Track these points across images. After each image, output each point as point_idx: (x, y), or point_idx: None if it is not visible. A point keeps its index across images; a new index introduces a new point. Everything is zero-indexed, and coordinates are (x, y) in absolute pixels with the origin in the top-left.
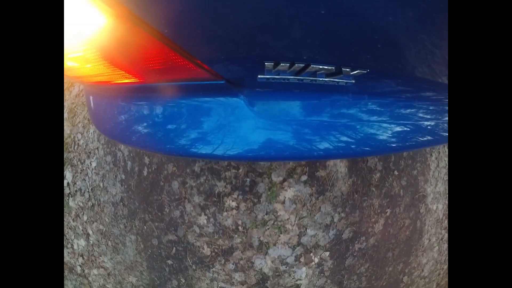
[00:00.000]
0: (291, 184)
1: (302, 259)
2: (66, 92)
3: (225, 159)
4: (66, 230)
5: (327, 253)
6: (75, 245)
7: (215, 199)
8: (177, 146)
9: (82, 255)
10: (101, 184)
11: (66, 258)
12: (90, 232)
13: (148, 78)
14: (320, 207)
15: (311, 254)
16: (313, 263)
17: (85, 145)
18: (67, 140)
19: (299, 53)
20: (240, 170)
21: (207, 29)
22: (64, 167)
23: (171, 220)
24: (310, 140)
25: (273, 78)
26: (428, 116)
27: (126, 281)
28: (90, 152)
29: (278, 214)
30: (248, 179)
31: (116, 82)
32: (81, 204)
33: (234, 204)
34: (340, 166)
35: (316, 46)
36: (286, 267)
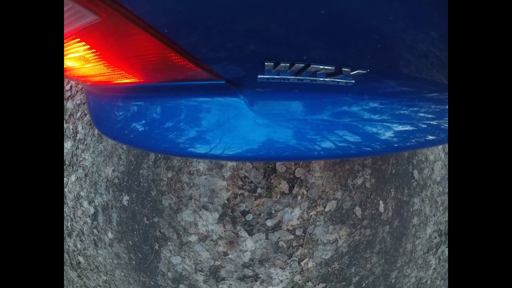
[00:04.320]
0: None
1: None
2: None
3: (224, 159)
4: None
5: None
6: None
7: None
8: (176, 146)
9: (64, 161)
10: None
11: None
12: (80, 128)
13: (148, 78)
14: None
15: None
16: None
17: None
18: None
19: (299, 53)
20: None
21: (207, 29)
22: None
23: None
24: (310, 140)
25: (273, 78)
26: (428, 116)
27: (102, 178)
28: None
29: None
30: None
31: (116, 82)
32: (79, 101)
33: None
34: None
35: (316, 46)
36: None
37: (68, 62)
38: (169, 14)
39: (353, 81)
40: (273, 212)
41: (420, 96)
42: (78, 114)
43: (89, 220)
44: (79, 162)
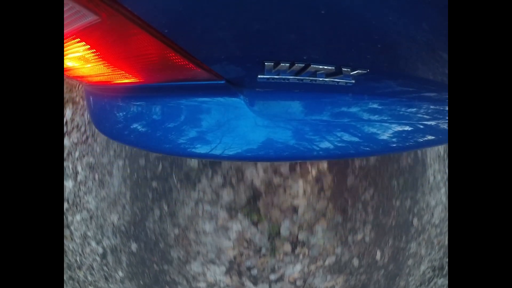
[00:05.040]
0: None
1: (297, 169)
2: None
3: (224, 159)
4: None
5: (325, 164)
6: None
7: None
8: (176, 146)
9: (67, 200)
10: None
11: None
12: (80, 169)
13: (148, 78)
14: None
15: (307, 163)
16: (310, 176)
17: None
18: (73, 82)
19: (299, 53)
20: None
21: (207, 29)
22: (65, 106)
23: None
24: (310, 140)
25: (273, 78)
26: (428, 116)
27: (107, 223)
28: None
29: None
30: None
31: (116, 82)
32: (76, 140)
33: None
34: None
35: (316, 46)
36: (280, 180)
37: (68, 62)
38: (169, 14)
39: (353, 81)
40: (276, 268)
41: (419, 96)
42: (77, 154)
43: (98, 258)
44: (83, 204)
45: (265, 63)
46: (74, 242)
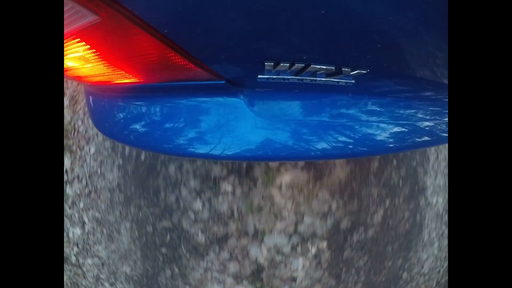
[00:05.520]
0: (288, 169)
1: (298, 249)
2: (68, 80)
3: (223, 158)
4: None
5: (325, 243)
6: (71, 233)
7: (211, 183)
8: (175, 146)
9: (77, 244)
10: (99, 170)
11: None
12: (86, 220)
13: (148, 78)
14: (317, 194)
15: (308, 244)
16: (310, 253)
17: (85, 132)
18: (67, 127)
19: (299, 53)
20: None
21: (207, 29)
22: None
23: (166, 205)
24: (309, 140)
25: (273, 78)
26: (428, 117)
27: (120, 271)
28: (89, 138)
29: (275, 199)
30: (244, 164)
31: (116, 82)
32: (78, 191)
33: (230, 188)
34: None
35: (316, 46)
36: (282, 257)
37: (68, 62)
38: (169, 14)
39: (353, 81)
40: None
41: (419, 96)
42: (81, 205)
43: None
44: (93, 252)
45: (265, 63)
46: (87, 280)
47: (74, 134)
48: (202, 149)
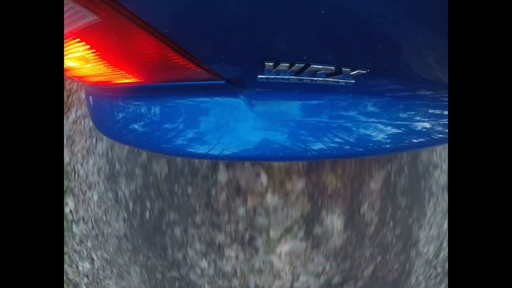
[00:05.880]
0: (287, 240)
1: None
2: (64, 116)
3: (221, 158)
4: (71, 252)
5: None
6: (80, 266)
7: (215, 248)
8: (174, 146)
9: (87, 276)
10: (104, 218)
11: (71, 276)
12: (95, 258)
13: (148, 78)
14: (313, 259)
15: None
16: None
17: (85, 177)
18: (67, 168)
19: (299, 53)
20: (240, 225)
21: (207, 29)
22: (66, 195)
23: (174, 260)
24: (308, 140)
25: (273, 78)
26: (428, 117)
27: None
28: (90, 185)
29: (274, 264)
30: (247, 234)
31: (116, 82)
32: (85, 232)
33: (233, 254)
34: (336, 223)
35: (316, 46)
36: None
37: (68, 62)
38: (169, 14)
39: (353, 81)
40: None
41: (419, 95)
42: (89, 244)
43: None
44: (104, 286)
45: (265, 63)
46: None
47: (75, 177)
48: (201, 149)
